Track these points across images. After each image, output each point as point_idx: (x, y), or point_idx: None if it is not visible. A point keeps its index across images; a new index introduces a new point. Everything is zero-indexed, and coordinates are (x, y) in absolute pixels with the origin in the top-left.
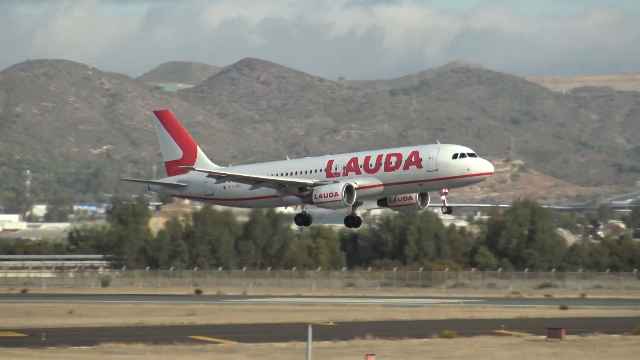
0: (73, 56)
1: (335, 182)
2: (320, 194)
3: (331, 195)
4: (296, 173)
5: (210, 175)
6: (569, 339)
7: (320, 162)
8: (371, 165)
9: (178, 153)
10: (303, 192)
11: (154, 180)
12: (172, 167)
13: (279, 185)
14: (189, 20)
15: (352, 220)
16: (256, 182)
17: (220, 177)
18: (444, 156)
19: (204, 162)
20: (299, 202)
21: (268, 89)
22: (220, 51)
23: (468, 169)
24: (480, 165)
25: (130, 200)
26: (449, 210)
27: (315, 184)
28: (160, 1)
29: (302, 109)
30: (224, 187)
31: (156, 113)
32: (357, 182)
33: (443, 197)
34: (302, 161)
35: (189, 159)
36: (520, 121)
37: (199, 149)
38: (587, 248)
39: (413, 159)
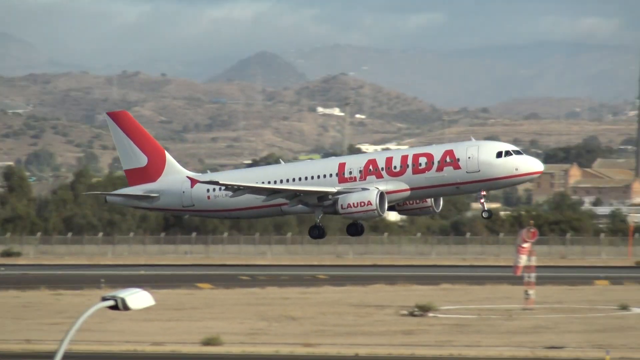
0: None
1: (364, 189)
2: (349, 204)
3: (363, 204)
4: (300, 179)
5: (227, 188)
6: None
7: (329, 165)
8: (395, 167)
9: (142, 160)
10: (323, 202)
11: (114, 192)
12: (135, 176)
13: (294, 194)
14: None
15: (355, 228)
16: (273, 192)
17: (238, 190)
18: (486, 155)
19: (176, 169)
20: (304, 212)
21: None
22: None
23: (516, 169)
24: (529, 164)
25: None
26: (489, 215)
27: (338, 192)
28: None
29: None
30: (208, 197)
31: (110, 115)
32: (379, 187)
33: (482, 200)
34: (305, 165)
35: (157, 166)
36: None
37: (167, 154)
38: None
39: (448, 159)
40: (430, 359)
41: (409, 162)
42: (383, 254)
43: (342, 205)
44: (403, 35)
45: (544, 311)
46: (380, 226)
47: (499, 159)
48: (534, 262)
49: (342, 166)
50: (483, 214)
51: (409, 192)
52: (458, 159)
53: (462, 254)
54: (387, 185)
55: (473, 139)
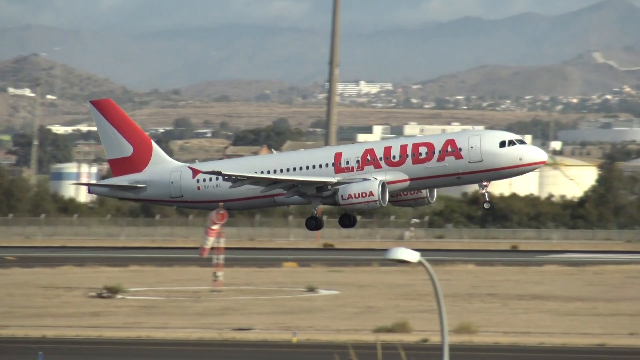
0: None
1: (365, 179)
2: (350, 195)
3: (364, 195)
4: (294, 169)
5: (228, 178)
6: None
7: (325, 154)
8: (394, 157)
9: (127, 149)
10: (322, 193)
11: (98, 183)
12: (119, 166)
13: (291, 185)
14: None
15: (347, 220)
16: (272, 183)
17: (238, 180)
18: (489, 144)
19: (162, 159)
20: (300, 203)
21: None
22: None
23: (520, 159)
24: (534, 154)
25: None
26: (491, 206)
27: (338, 183)
28: None
29: None
30: (198, 188)
31: (94, 103)
32: (377, 177)
33: (484, 191)
34: (300, 154)
35: (143, 155)
36: None
37: (154, 144)
38: None
39: (449, 149)
40: (118, 341)
41: (409, 151)
42: (72, 235)
43: (342, 195)
44: (95, 17)
45: (232, 293)
46: (70, 207)
47: (503, 149)
48: (222, 244)
49: (338, 156)
50: (485, 205)
51: (408, 183)
52: (460, 149)
53: (152, 235)
54: (385, 175)
55: (474, 128)
